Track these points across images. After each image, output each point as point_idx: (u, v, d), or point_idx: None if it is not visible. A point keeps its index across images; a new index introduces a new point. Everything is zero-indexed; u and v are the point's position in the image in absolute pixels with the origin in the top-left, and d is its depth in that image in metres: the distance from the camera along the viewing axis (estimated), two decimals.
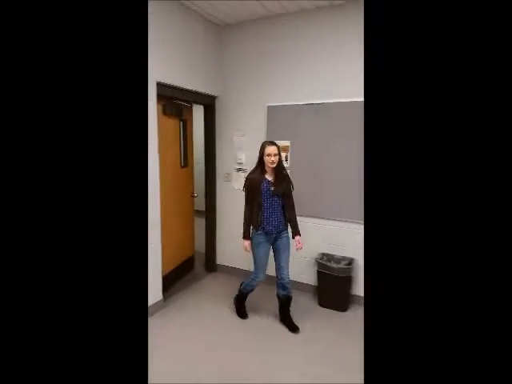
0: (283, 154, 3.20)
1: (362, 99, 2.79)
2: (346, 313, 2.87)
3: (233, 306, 2.83)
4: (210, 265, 3.75)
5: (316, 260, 3.01)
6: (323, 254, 3.05)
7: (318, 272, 2.96)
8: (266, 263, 2.55)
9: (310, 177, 3.07)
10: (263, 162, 2.42)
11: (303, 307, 2.91)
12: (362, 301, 2.98)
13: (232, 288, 3.12)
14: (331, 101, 2.94)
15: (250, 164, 3.40)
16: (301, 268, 3.23)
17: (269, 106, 3.23)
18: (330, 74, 2.94)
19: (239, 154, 3.47)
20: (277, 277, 2.58)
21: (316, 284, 3.07)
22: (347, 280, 2.85)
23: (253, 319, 2.74)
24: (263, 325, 2.66)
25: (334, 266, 2.85)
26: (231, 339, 2.47)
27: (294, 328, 2.56)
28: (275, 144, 2.42)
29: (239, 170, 3.49)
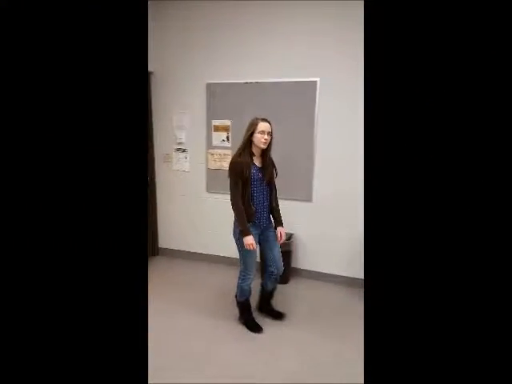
0: (224, 134, 3.19)
1: (304, 79, 2.87)
2: (288, 284, 3.05)
3: (238, 323, 2.42)
4: (152, 248, 3.65)
5: None
6: None
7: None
8: (256, 258, 2.28)
9: None
10: (251, 142, 2.09)
11: None
12: (302, 273, 3.19)
13: (177, 271, 3.08)
14: (272, 80, 2.97)
15: (191, 144, 3.33)
16: None
17: (208, 84, 3.16)
18: (272, 53, 2.95)
19: (179, 134, 3.36)
20: (266, 270, 2.34)
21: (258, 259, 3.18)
22: (287, 254, 3.00)
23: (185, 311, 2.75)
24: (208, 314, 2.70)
25: None
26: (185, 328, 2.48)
27: (279, 315, 2.47)
28: (268, 121, 2.11)
29: (179, 150, 3.39)
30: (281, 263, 2.31)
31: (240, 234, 2.12)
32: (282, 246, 2.65)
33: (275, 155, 2.26)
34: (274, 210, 2.30)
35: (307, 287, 3.00)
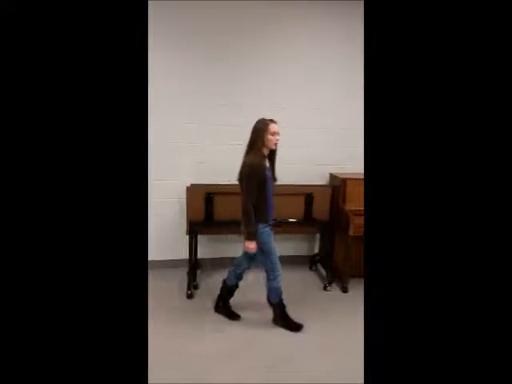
0: None
1: None
2: None
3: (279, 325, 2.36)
4: None
5: None
6: None
7: None
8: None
9: None
10: (262, 142, 2.11)
11: None
12: None
13: None
14: None
15: None
16: None
17: None
18: None
19: None
20: (248, 266, 2.41)
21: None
22: None
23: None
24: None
25: None
26: None
27: (236, 316, 2.45)
28: (275, 121, 2.16)
29: None
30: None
31: (250, 235, 2.12)
32: None
33: None
34: None
35: None
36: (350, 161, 3.27)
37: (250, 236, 2.13)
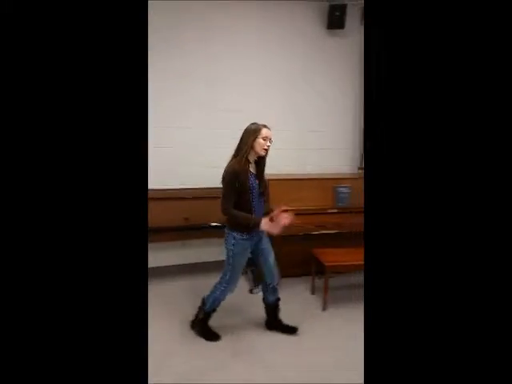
0: None
1: None
2: None
3: (190, 331, 2.30)
4: None
5: None
6: None
7: None
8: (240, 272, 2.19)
9: None
10: (250, 148, 1.96)
11: None
12: None
13: None
14: None
15: None
16: None
17: None
18: None
19: None
20: (264, 283, 2.26)
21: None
22: None
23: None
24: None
25: None
26: None
27: (291, 329, 2.31)
28: (268, 127, 2.01)
29: None
30: (275, 272, 2.24)
31: (255, 225, 1.95)
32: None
33: None
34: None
35: None
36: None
37: (256, 226, 1.95)
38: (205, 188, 3.02)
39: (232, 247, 2.05)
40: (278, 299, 2.32)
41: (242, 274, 3.15)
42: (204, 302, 2.24)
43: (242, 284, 3.01)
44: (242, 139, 2.00)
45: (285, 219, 1.95)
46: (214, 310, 2.23)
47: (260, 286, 2.85)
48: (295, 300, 2.75)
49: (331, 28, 3.18)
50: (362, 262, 2.37)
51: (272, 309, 2.32)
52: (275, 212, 2.03)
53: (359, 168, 3.48)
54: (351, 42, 3.35)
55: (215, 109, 3.14)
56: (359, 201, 3.03)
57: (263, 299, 2.34)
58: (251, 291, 2.92)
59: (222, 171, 1.99)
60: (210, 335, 2.24)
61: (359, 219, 2.83)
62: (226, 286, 2.15)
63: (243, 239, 2.03)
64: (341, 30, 3.21)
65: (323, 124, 3.45)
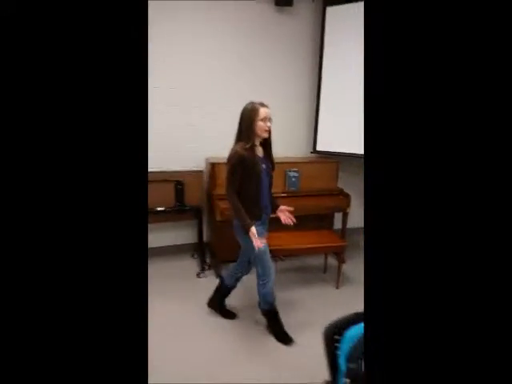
0: None
1: None
2: None
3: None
4: None
5: None
6: None
7: None
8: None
9: None
10: (252, 131, 1.82)
11: None
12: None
13: None
14: None
15: None
16: None
17: None
18: None
19: None
20: (243, 267, 2.18)
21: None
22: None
23: None
24: None
25: None
26: None
27: (232, 315, 2.30)
28: (266, 105, 1.86)
29: None
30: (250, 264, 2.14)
31: (248, 228, 1.83)
32: None
33: None
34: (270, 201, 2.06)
35: None
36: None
37: (245, 228, 1.83)
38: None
39: (244, 236, 1.91)
40: (234, 287, 2.26)
41: (194, 258, 3.14)
42: (222, 280, 2.22)
43: (191, 268, 2.95)
44: (240, 122, 1.86)
45: (287, 219, 2.00)
46: (272, 306, 2.08)
47: (205, 272, 2.83)
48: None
49: (279, 5, 3.10)
50: (309, 246, 2.61)
51: (226, 291, 2.27)
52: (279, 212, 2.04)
53: (311, 152, 3.46)
54: (301, 19, 3.27)
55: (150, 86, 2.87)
56: (309, 185, 3.11)
57: (221, 277, 2.29)
58: (198, 275, 2.85)
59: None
60: (285, 338, 2.08)
61: (307, 203, 2.94)
62: (264, 278, 1.97)
63: (257, 226, 1.87)
64: (289, 7, 3.13)
65: (273, 106, 3.36)
